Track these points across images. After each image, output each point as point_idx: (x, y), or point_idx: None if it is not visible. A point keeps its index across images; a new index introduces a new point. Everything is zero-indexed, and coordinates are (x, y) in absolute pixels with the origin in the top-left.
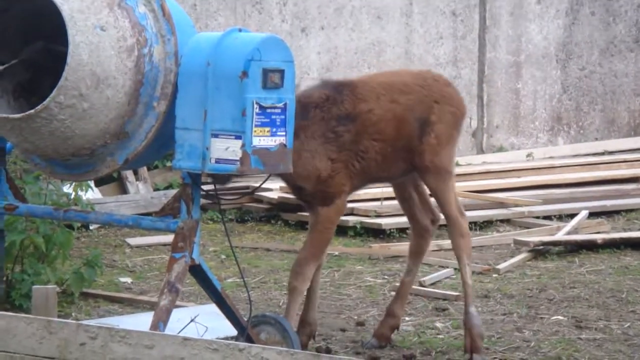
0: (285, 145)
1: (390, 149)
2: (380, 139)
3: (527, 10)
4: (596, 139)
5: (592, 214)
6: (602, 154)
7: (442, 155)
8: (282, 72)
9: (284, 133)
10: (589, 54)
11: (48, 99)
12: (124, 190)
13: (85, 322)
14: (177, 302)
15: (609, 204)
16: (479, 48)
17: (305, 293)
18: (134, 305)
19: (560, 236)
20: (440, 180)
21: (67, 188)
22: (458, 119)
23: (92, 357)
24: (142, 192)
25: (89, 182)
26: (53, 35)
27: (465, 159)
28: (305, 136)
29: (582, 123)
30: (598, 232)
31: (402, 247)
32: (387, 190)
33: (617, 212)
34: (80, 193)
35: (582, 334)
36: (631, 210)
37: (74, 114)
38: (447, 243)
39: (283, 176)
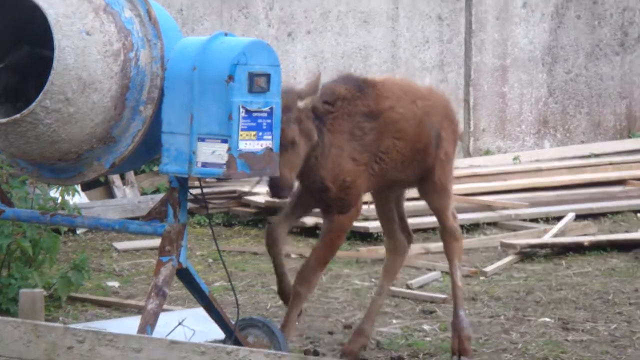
0: (271, 149)
1: (410, 151)
2: (401, 138)
3: (512, 14)
4: (582, 142)
5: (579, 217)
6: (589, 156)
7: (447, 173)
8: (268, 76)
9: (270, 137)
10: (574, 57)
11: (34, 103)
12: (111, 194)
13: (72, 326)
14: (165, 306)
15: (596, 206)
16: (465, 52)
17: (308, 299)
18: (122, 309)
19: (547, 239)
20: (442, 198)
21: (54, 192)
22: (457, 138)
23: None
24: (129, 197)
25: (75, 186)
26: (39, 39)
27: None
28: (333, 130)
29: (568, 126)
30: (585, 235)
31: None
32: None
33: (604, 214)
34: (67, 197)
35: (569, 336)
36: (617, 213)
37: (60, 118)
38: (434, 246)
39: (306, 178)
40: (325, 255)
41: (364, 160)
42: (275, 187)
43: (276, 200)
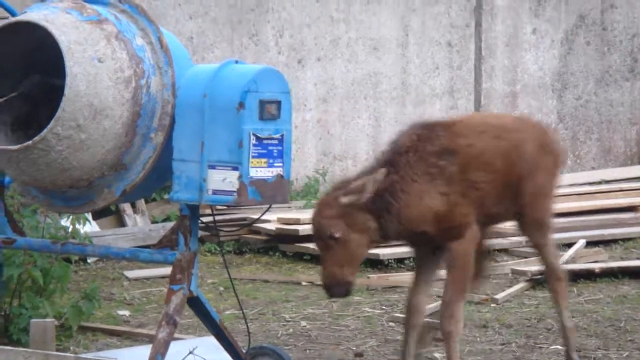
0: (282, 176)
1: (501, 185)
2: (487, 171)
3: (522, 40)
4: (593, 168)
5: (590, 243)
6: (599, 183)
7: (544, 207)
8: (278, 103)
9: (281, 164)
10: (584, 83)
11: (45, 130)
12: (121, 223)
13: (83, 355)
14: (176, 335)
15: (607, 232)
16: (475, 78)
17: (460, 335)
18: (133, 338)
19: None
20: (541, 235)
21: (65, 221)
22: (557, 170)
23: None
24: (140, 225)
25: (86, 215)
26: (50, 68)
27: None
28: (405, 186)
29: (578, 152)
30: (596, 261)
31: (400, 277)
32: None
33: (615, 241)
34: (77, 226)
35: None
36: (629, 239)
37: (72, 145)
38: (445, 273)
39: (400, 228)
40: (459, 287)
41: (455, 190)
42: (328, 286)
43: (333, 297)
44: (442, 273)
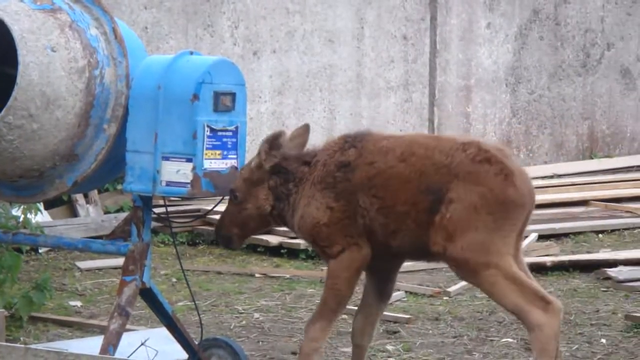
0: (236, 168)
1: (395, 214)
2: (377, 197)
3: (476, 34)
4: (545, 163)
5: (542, 237)
6: (551, 177)
7: (459, 243)
8: (233, 95)
9: (235, 156)
10: (537, 78)
11: None
12: (74, 213)
13: (34, 346)
14: (128, 326)
15: (558, 226)
16: (429, 72)
17: (319, 353)
18: (84, 329)
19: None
20: (474, 276)
21: (16, 211)
22: (490, 203)
23: None
24: (93, 215)
25: (38, 204)
26: (3, 56)
27: None
28: (305, 185)
29: (531, 146)
30: (547, 255)
31: None
32: None
33: (566, 234)
34: (29, 216)
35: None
36: (580, 233)
37: (23, 134)
38: None
39: (287, 226)
40: (324, 306)
41: (342, 208)
42: (215, 232)
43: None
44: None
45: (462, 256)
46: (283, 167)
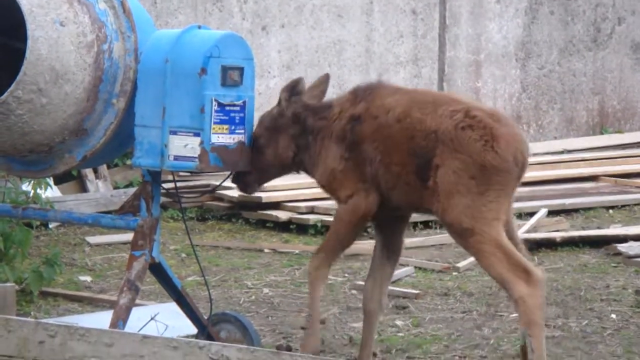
0: (244, 143)
1: (393, 171)
2: (380, 152)
3: (486, 9)
4: (555, 138)
5: (551, 212)
6: (561, 152)
7: (449, 208)
8: (241, 69)
9: (242, 131)
10: (548, 53)
11: (6, 94)
12: (83, 188)
13: (44, 320)
14: (137, 301)
15: (568, 202)
16: (439, 47)
17: (323, 280)
18: (94, 304)
19: (519, 234)
20: (461, 241)
21: (26, 186)
22: (471, 169)
23: (51, 355)
24: (102, 191)
25: (48, 180)
26: (13, 31)
27: None
28: (321, 138)
29: (541, 122)
30: (557, 230)
31: (362, 245)
32: None
33: (576, 210)
34: (39, 191)
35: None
36: (590, 209)
37: (32, 109)
38: (407, 241)
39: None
40: (327, 242)
41: (354, 158)
42: (234, 178)
43: (245, 194)
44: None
45: (450, 219)
46: (302, 119)
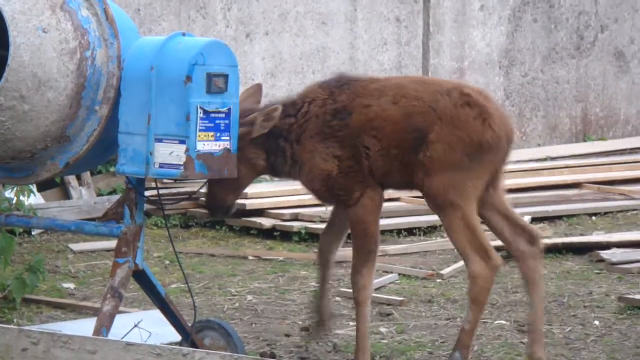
0: (229, 150)
1: (389, 156)
2: (378, 139)
3: (470, 17)
4: (539, 145)
5: (535, 220)
6: (545, 160)
7: (436, 180)
8: (226, 77)
9: (228, 138)
10: (531, 60)
11: None
12: (67, 195)
13: (27, 328)
14: (121, 308)
15: (552, 209)
16: (423, 54)
17: (368, 301)
18: (77, 312)
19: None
20: (438, 210)
21: (9, 193)
22: (467, 146)
23: None
24: (86, 198)
25: (31, 187)
26: None
27: None
28: (301, 140)
29: (525, 129)
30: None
31: (347, 253)
32: None
33: (559, 217)
34: (22, 198)
35: (525, 339)
36: (573, 216)
37: (15, 116)
38: (391, 248)
39: (297, 178)
40: (361, 253)
41: (349, 154)
42: (208, 207)
43: (215, 218)
44: None
45: (435, 192)
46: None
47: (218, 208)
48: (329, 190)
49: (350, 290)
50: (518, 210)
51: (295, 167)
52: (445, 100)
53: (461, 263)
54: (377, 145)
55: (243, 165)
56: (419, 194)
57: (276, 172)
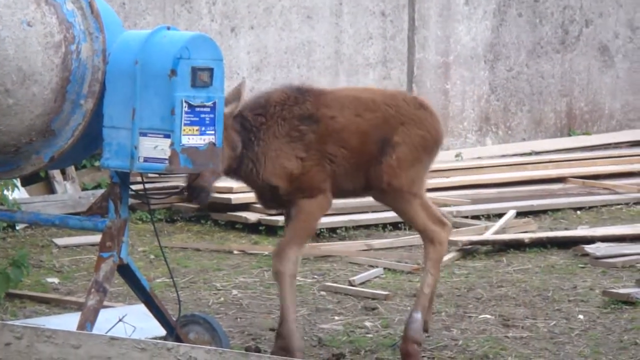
0: (214, 144)
1: (355, 163)
2: (344, 148)
3: (455, 11)
4: (523, 140)
5: (520, 214)
6: (530, 154)
7: (401, 177)
8: (211, 70)
9: (213, 132)
10: (516, 55)
11: None
12: (51, 189)
13: (10, 322)
14: (105, 302)
15: (536, 203)
16: (408, 48)
17: (293, 276)
18: (62, 306)
19: (488, 236)
20: (401, 201)
21: None
22: (428, 143)
23: (18, 357)
24: (70, 192)
25: (15, 181)
26: None
27: None
28: (267, 138)
29: (509, 123)
30: (525, 232)
31: (332, 247)
32: None
33: (544, 211)
34: (6, 192)
35: (509, 333)
36: (557, 210)
37: None
38: (376, 242)
39: (249, 181)
40: (297, 235)
41: (312, 157)
42: (190, 190)
43: (194, 204)
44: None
45: (401, 188)
46: (242, 115)
47: (198, 189)
48: (288, 184)
49: (335, 284)
50: (503, 205)
51: (253, 164)
52: (403, 105)
53: (446, 257)
54: (341, 153)
55: (227, 146)
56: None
57: (239, 166)
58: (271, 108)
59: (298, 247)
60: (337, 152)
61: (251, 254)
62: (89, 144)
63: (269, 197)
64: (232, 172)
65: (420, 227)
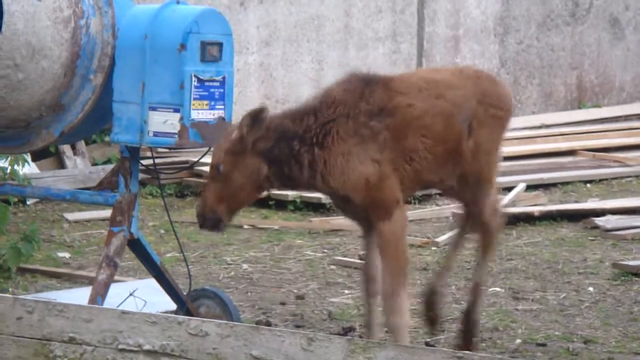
0: (224, 119)
1: (442, 150)
2: (428, 136)
3: None
4: (533, 113)
5: (530, 187)
6: (540, 127)
7: (480, 164)
8: (220, 45)
9: (222, 106)
10: (526, 28)
11: None
12: (61, 164)
13: (22, 296)
14: (116, 277)
15: (546, 176)
16: (417, 22)
17: (408, 325)
18: (72, 280)
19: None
20: (477, 190)
21: (3, 162)
22: (500, 124)
23: (29, 331)
24: (80, 167)
25: (25, 156)
26: None
27: None
28: (328, 143)
29: (519, 97)
30: (535, 205)
31: (342, 221)
32: None
33: (554, 184)
34: (16, 167)
35: (519, 305)
36: (567, 183)
37: (9, 84)
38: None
39: (335, 198)
40: (397, 274)
41: (387, 159)
42: (199, 216)
43: (203, 229)
44: None
45: (477, 172)
46: (277, 130)
47: (206, 216)
48: (363, 195)
49: (345, 258)
50: (513, 178)
51: (314, 173)
52: (479, 83)
53: (456, 230)
54: (424, 144)
55: (240, 175)
56: None
57: (285, 181)
58: (329, 110)
59: (404, 288)
60: (420, 144)
61: (261, 228)
62: (99, 119)
63: (341, 206)
64: (282, 185)
65: (483, 217)
